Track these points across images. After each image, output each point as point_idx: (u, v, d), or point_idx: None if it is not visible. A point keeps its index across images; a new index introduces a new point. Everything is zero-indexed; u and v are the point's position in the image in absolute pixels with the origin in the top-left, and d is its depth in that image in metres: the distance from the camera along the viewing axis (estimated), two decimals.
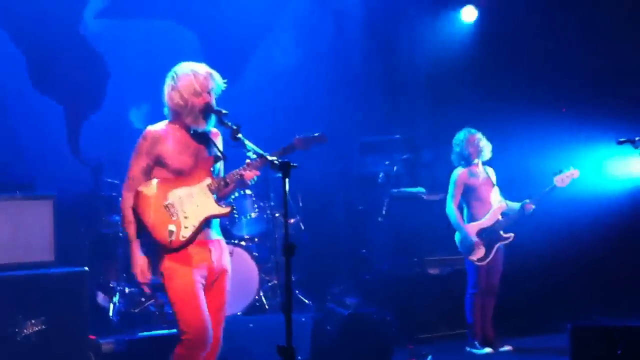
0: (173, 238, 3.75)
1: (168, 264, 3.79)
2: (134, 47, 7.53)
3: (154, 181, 3.82)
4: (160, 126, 3.89)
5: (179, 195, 3.80)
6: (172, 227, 3.76)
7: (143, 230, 3.80)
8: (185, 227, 3.78)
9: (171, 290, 3.80)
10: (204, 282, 3.84)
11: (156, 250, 3.82)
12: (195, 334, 3.75)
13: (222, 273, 3.96)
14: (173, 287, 3.79)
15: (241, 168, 3.88)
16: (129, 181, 3.87)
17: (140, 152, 3.84)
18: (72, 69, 7.16)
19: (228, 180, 3.90)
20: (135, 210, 3.81)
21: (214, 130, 4.01)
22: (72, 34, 7.22)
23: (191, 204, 3.81)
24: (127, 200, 3.84)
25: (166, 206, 3.78)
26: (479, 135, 6.39)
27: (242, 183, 3.95)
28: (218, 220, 3.97)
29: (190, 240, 3.79)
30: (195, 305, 3.77)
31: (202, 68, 3.88)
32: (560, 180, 6.20)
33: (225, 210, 3.93)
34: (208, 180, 3.87)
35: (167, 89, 3.88)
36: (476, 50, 8.44)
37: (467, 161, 6.37)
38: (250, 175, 3.87)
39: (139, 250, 3.84)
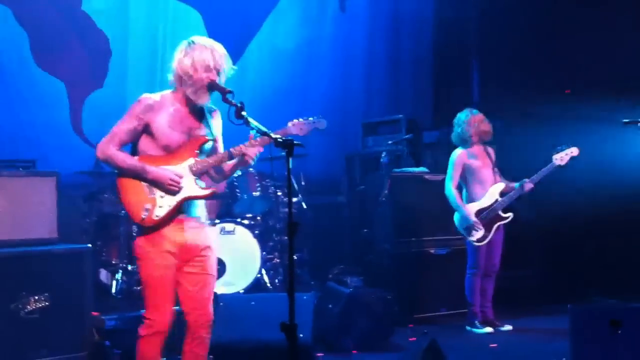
0: (145, 216, 3.72)
1: (140, 243, 3.79)
2: (136, 25, 7.51)
3: (135, 158, 3.78)
4: (158, 96, 3.83)
5: (157, 173, 3.74)
6: (147, 205, 3.73)
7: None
8: (160, 207, 3.74)
9: (140, 270, 3.85)
10: (176, 262, 3.80)
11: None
12: (154, 317, 3.79)
13: (203, 250, 3.88)
14: (142, 267, 3.82)
15: (243, 145, 3.83)
16: (109, 136, 3.75)
17: (131, 115, 3.76)
18: (75, 47, 7.14)
19: (233, 154, 3.84)
20: (116, 186, 3.79)
21: (214, 108, 3.98)
22: (74, 11, 7.19)
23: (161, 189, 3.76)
24: (106, 149, 3.73)
25: (142, 183, 3.75)
26: (481, 116, 6.38)
27: (243, 161, 3.88)
28: (202, 201, 3.91)
29: (164, 220, 3.75)
30: (158, 289, 3.78)
31: (219, 47, 3.84)
32: (560, 159, 6.17)
33: (205, 192, 3.86)
34: (191, 161, 3.81)
35: (179, 53, 3.80)
36: (480, 30, 8.41)
37: (468, 142, 6.36)
38: (253, 151, 3.82)
39: (152, 168, 3.73)
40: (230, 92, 3.75)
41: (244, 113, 3.69)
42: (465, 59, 8.66)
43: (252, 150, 3.83)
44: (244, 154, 3.84)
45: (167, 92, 3.87)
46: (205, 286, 3.91)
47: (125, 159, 3.75)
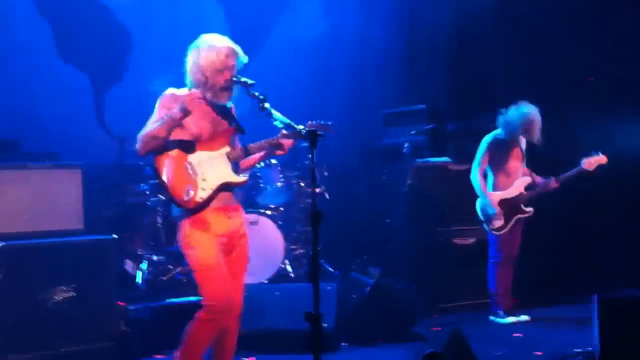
0: (189, 197, 3.75)
1: (188, 231, 3.80)
2: (157, 18, 7.54)
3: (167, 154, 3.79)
4: (182, 91, 3.85)
5: (199, 157, 3.80)
6: (189, 187, 3.76)
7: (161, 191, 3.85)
8: (203, 189, 3.78)
9: (192, 258, 3.83)
10: (223, 248, 3.86)
11: (176, 218, 3.86)
12: (217, 300, 3.77)
13: (242, 237, 3.96)
14: (193, 255, 3.81)
15: (276, 137, 3.89)
16: (145, 128, 3.76)
17: (161, 107, 3.79)
18: (97, 40, 7.19)
19: (251, 149, 3.92)
20: (154, 168, 3.80)
21: (231, 104, 4.00)
22: (96, 4, 7.24)
23: (210, 168, 3.81)
24: (141, 134, 3.72)
25: (186, 165, 3.78)
26: (539, 117, 6.26)
27: (273, 151, 3.97)
28: (237, 189, 4.00)
29: (206, 202, 3.78)
30: (217, 272, 3.79)
31: (224, 43, 3.83)
32: (588, 163, 6.21)
33: (242, 179, 3.93)
34: (227, 149, 3.89)
35: (189, 62, 3.85)
36: (500, 18, 8.32)
37: (512, 135, 6.29)
38: (288, 143, 3.89)
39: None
40: (251, 84, 3.77)
41: (267, 105, 3.71)
42: (486, 46, 8.58)
43: (287, 142, 3.90)
44: (280, 144, 3.90)
45: (189, 89, 3.88)
46: (241, 274, 3.97)
47: (158, 123, 3.70)
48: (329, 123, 4.15)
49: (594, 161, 6.21)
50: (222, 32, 3.97)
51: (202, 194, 3.78)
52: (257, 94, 3.73)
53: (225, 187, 3.87)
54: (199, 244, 3.79)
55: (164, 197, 3.75)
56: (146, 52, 7.45)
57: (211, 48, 3.80)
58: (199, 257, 3.80)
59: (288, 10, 8.40)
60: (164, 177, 3.78)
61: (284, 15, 8.39)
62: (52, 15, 6.93)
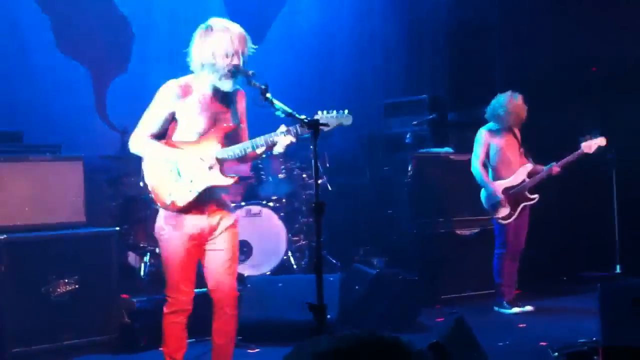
0: (169, 202, 3.74)
1: (162, 225, 3.82)
2: (158, 9, 7.51)
3: (162, 142, 3.77)
4: (183, 81, 3.78)
5: (186, 157, 3.73)
6: (172, 191, 3.74)
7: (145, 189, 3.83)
8: (190, 191, 3.74)
9: (161, 251, 3.93)
10: (196, 243, 3.82)
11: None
12: (175, 295, 3.86)
13: (224, 230, 3.87)
14: (162, 248, 3.89)
15: (274, 134, 3.75)
16: (139, 127, 3.77)
17: (158, 103, 3.76)
18: (97, 31, 7.17)
19: (254, 144, 3.77)
20: (142, 169, 3.82)
21: (241, 91, 3.93)
22: None
23: (196, 169, 3.74)
24: (137, 140, 3.75)
25: (170, 167, 3.74)
26: (521, 102, 6.29)
27: (272, 147, 3.80)
28: (223, 190, 3.90)
29: (190, 205, 3.75)
30: (178, 270, 3.82)
31: (236, 29, 3.74)
32: (588, 147, 6.21)
33: (228, 181, 3.83)
34: (217, 147, 3.78)
35: (197, 41, 3.74)
36: (503, 6, 8.28)
37: (500, 124, 6.30)
38: (286, 141, 3.74)
39: (180, 151, 3.73)
40: (253, 74, 3.69)
41: (268, 95, 3.65)
42: (487, 37, 8.54)
43: (285, 140, 3.75)
44: (276, 143, 3.76)
45: (191, 77, 3.81)
46: (226, 262, 3.90)
47: (157, 147, 3.75)
48: (348, 115, 3.94)
49: (593, 144, 6.21)
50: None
51: (185, 197, 3.74)
52: (258, 84, 3.66)
53: (212, 189, 3.81)
54: (167, 239, 3.82)
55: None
56: (147, 43, 7.43)
57: (224, 30, 3.71)
58: (166, 252, 3.86)
59: (288, 1, 8.36)
60: (147, 179, 3.79)
61: (284, 6, 8.35)
62: (53, 7, 6.90)
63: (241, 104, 3.96)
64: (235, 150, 3.79)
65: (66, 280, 5.00)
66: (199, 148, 3.76)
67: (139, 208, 6.52)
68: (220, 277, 3.89)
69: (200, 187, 3.76)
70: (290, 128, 3.74)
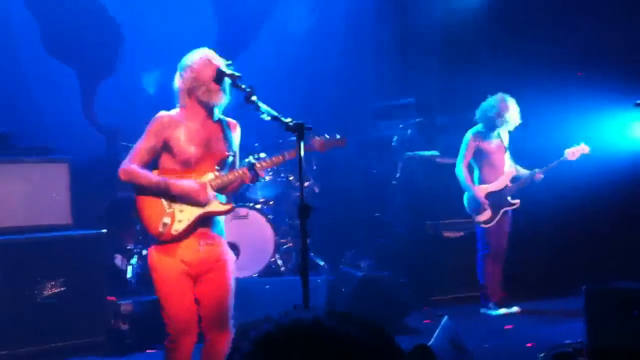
0: (164, 230, 3.67)
1: (154, 254, 3.74)
2: (146, 11, 7.50)
3: (153, 172, 3.72)
4: (174, 112, 3.77)
5: (178, 187, 3.67)
6: (166, 220, 3.68)
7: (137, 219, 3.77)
8: (180, 221, 3.68)
9: (155, 281, 3.77)
10: (189, 270, 3.72)
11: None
12: (173, 326, 3.73)
13: (218, 262, 3.79)
14: (157, 278, 3.75)
15: (243, 168, 3.75)
16: (130, 156, 3.72)
17: (149, 133, 3.72)
18: (85, 33, 7.14)
19: (241, 174, 3.75)
20: (135, 199, 3.75)
21: (232, 121, 3.91)
22: None
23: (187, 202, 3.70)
24: (128, 169, 3.69)
25: (163, 197, 3.69)
26: (514, 105, 6.30)
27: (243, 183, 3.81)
28: (221, 218, 3.84)
29: (182, 235, 3.69)
30: (173, 299, 3.72)
31: (210, 51, 3.78)
32: (571, 154, 6.29)
33: (224, 208, 3.78)
34: (211, 176, 3.74)
35: (177, 77, 3.76)
36: (492, 11, 8.33)
37: (492, 126, 6.31)
38: (253, 178, 3.74)
39: (176, 182, 3.68)
40: (238, 76, 3.68)
41: (254, 98, 3.64)
42: (475, 40, 8.58)
43: (254, 176, 3.75)
44: (245, 175, 3.75)
45: (181, 109, 3.79)
46: (223, 302, 3.81)
47: (147, 176, 3.70)
48: (339, 137, 4.10)
49: (576, 151, 6.27)
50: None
51: (178, 227, 3.69)
52: (244, 86, 3.65)
53: (206, 217, 3.76)
54: (160, 268, 3.72)
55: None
56: (136, 46, 7.41)
57: (193, 53, 3.76)
58: (160, 281, 3.74)
59: (277, 4, 8.37)
60: (141, 210, 3.72)
61: (273, 9, 8.36)
62: (41, 9, 6.88)
63: (236, 136, 3.92)
64: (230, 176, 3.75)
65: (53, 283, 4.99)
66: (192, 176, 3.72)
67: (126, 210, 6.50)
68: (213, 313, 3.79)
69: (192, 216, 3.71)
70: (259, 161, 3.77)
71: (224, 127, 3.84)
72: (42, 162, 5.24)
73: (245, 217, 6.41)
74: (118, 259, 6.35)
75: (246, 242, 6.37)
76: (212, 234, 3.80)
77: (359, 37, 8.79)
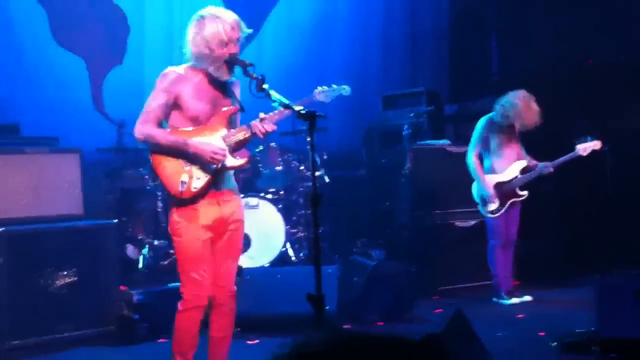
0: (184, 189, 3.70)
1: (176, 218, 3.76)
2: (153, 0, 7.48)
3: (168, 131, 3.75)
4: (181, 68, 3.78)
5: (194, 144, 3.70)
6: (184, 177, 3.70)
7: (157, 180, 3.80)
8: (198, 178, 3.72)
9: (177, 245, 3.82)
10: (211, 235, 3.78)
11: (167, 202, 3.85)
12: (191, 292, 3.78)
13: (235, 223, 3.87)
14: (179, 243, 3.79)
15: (256, 121, 3.76)
16: (144, 115, 3.71)
17: (159, 89, 3.73)
18: (93, 23, 7.12)
19: (245, 131, 3.80)
20: (150, 160, 3.78)
21: (235, 80, 3.92)
22: None
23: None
24: (144, 128, 3.68)
25: (180, 154, 3.71)
26: (535, 105, 6.22)
27: (254, 136, 3.83)
28: (232, 171, 3.91)
29: (202, 191, 3.72)
30: (196, 265, 3.76)
31: (229, 16, 3.74)
32: (583, 150, 6.21)
33: (240, 162, 3.84)
34: (224, 131, 3.78)
35: (191, 32, 3.73)
36: (501, 2, 8.29)
37: (509, 123, 6.26)
38: (267, 129, 3.74)
39: (194, 141, 3.69)
40: (251, 65, 3.70)
41: (265, 86, 3.64)
42: (484, 30, 8.54)
43: (267, 127, 3.76)
44: (256, 126, 3.77)
45: (188, 65, 3.81)
46: (233, 261, 3.93)
47: (166, 136, 3.72)
48: (345, 85, 4.09)
49: (588, 147, 6.21)
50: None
51: (196, 184, 3.72)
52: (255, 74, 3.65)
53: (222, 172, 3.80)
54: (184, 234, 3.75)
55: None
56: (143, 35, 7.39)
57: (217, 19, 3.70)
58: (182, 246, 3.78)
59: None
60: (159, 170, 3.74)
61: None
62: (48, 0, 6.86)
63: (237, 91, 3.95)
64: (242, 130, 3.79)
65: (64, 273, 5.00)
66: (205, 133, 3.76)
67: (136, 200, 6.51)
68: (224, 273, 3.88)
69: (210, 172, 3.74)
70: (276, 112, 3.75)
71: (227, 83, 3.87)
72: (53, 153, 5.23)
73: (256, 207, 6.40)
74: (129, 249, 6.36)
75: (257, 232, 6.37)
76: (228, 190, 3.85)
77: (367, 26, 8.75)
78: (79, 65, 7.06)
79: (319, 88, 4.03)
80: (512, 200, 6.31)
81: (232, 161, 3.81)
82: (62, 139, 5.71)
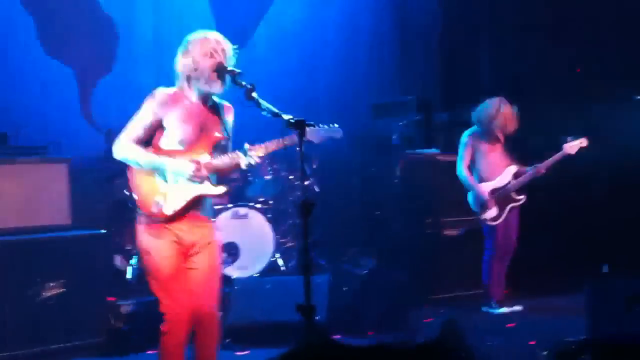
0: (156, 210, 3.66)
1: (144, 235, 3.72)
2: (142, 9, 7.46)
3: (149, 150, 3.70)
4: (171, 90, 3.77)
5: (174, 165, 3.66)
6: (158, 199, 3.67)
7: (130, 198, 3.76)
8: (173, 201, 3.68)
9: (147, 264, 3.76)
10: (182, 252, 3.73)
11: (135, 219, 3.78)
12: (171, 310, 3.72)
13: (205, 246, 3.79)
14: (148, 260, 3.74)
15: (239, 153, 3.71)
16: (126, 133, 3.69)
17: (146, 110, 3.70)
18: (82, 31, 7.10)
19: (227, 160, 3.74)
20: (127, 175, 3.74)
21: (227, 104, 3.91)
22: None
23: (186, 177, 3.68)
24: (123, 146, 3.66)
25: (158, 175, 3.68)
26: (511, 112, 6.27)
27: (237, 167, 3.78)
28: (210, 200, 3.85)
29: (176, 215, 3.68)
30: (170, 282, 3.71)
31: (213, 33, 3.80)
32: (570, 147, 6.23)
33: (218, 190, 3.78)
34: (207, 157, 3.73)
35: (178, 57, 3.76)
36: (491, 8, 8.31)
37: (486, 130, 6.30)
38: (247, 162, 3.71)
39: (175, 160, 3.65)
40: (239, 73, 3.69)
41: (254, 94, 3.63)
42: (474, 38, 8.57)
43: (249, 160, 3.72)
44: (240, 158, 3.73)
45: (179, 88, 3.79)
46: (208, 281, 3.82)
47: (144, 153, 3.68)
48: (338, 129, 4.02)
49: (574, 145, 6.24)
50: (208, 23, 3.94)
51: (172, 206, 3.68)
52: (244, 83, 3.64)
53: (199, 199, 3.75)
54: (153, 250, 3.71)
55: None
56: (132, 43, 7.37)
57: (200, 35, 3.76)
58: (151, 264, 3.74)
59: (275, 0, 8.34)
60: (134, 188, 3.71)
61: (270, 6, 8.32)
62: (35, 8, 6.84)
63: (229, 118, 3.91)
64: (225, 159, 3.74)
65: (52, 284, 4.96)
66: (187, 157, 3.71)
67: (126, 210, 6.45)
68: (203, 295, 3.79)
69: (189, 196, 3.70)
70: (252, 147, 3.72)
71: (219, 109, 3.85)
72: (41, 162, 5.20)
73: (245, 216, 6.39)
74: (118, 260, 6.32)
75: (246, 242, 6.36)
76: (203, 216, 3.80)
77: (357, 33, 8.77)
78: (67, 73, 7.03)
79: (312, 127, 3.82)
80: (510, 205, 6.33)
81: (210, 189, 3.76)
82: (52, 148, 5.67)
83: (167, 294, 3.73)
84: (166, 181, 3.70)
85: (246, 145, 3.74)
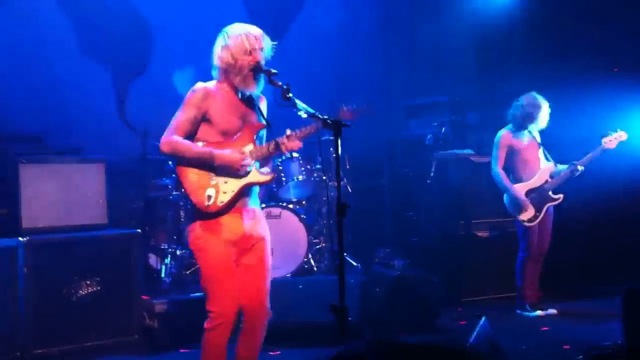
0: (210, 203, 3.68)
1: (199, 233, 3.73)
2: (177, 10, 7.53)
3: (199, 144, 3.73)
4: (210, 84, 3.81)
5: (221, 157, 3.69)
6: (210, 191, 3.70)
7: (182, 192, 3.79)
8: (224, 192, 3.71)
9: (201, 262, 3.78)
10: (235, 250, 3.75)
11: (191, 216, 3.81)
12: (219, 308, 3.71)
13: (259, 241, 3.84)
14: (202, 259, 3.76)
15: (282, 138, 3.76)
16: (172, 128, 3.70)
17: (189, 104, 3.73)
18: (118, 33, 7.19)
19: (271, 147, 3.79)
20: (176, 174, 3.78)
21: (261, 95, 3.95)
22: None
23: (232, 169, 3.72)
24: (171, 140, 3.66)
25: (207, 168, 3.71)
26: (544, 102, 6.23)
27: (279, 153, 3.84)
28: (257, 189, 3.88)
29: (228, 206, 3.71)
30: (223, 280, 3.72)
31: (253, 29, 3.81)
32: (608, 142, 6.13)
33: (266, 177, 3.83)
34: (251, 146, 3.78)
35: (217, 48, 3.79)
36: (525, 10, 8.24)
37: (521, 125, 6.24)
38: (292, 146, 3.75)
39: (220, 152, 3.68)
40: (275, 73, 3.71)
41: (290, 95, 3.64)
42: (509, 37, 8.50)
43: (290, 145, 3.77)
44: (282, 144, 3.77)
45: (216, 82, 3.84)
46: (261, 278, 3.85)
47: (192, 147, 3.70)
48: (366, 105, 4.07)
49: (613, 139, 6.13)
50: (242, 22, 3.94)
51: (223, 198, 3.71)
52: (280, 83, 3.66)
53: (248, 187, 3.80)
54: (207, 248, 3.73)
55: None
56: (167, 44, 7.45)
57: (240, 30, 3.78)
58: (204, 262, 3.76)
59: (308, 1, 8.35)
60: (185, 183, 3.73)
61: (303, 6, 8.34)
62: (72, 10, 6.94)
63: (263, 107, 3.97)
64: (270, 145, 3.78)
65: (88, 282, 5.03)
66: (233, 148, 3.75)
67: (160, 210, 6.54)
68: (255, 291, 3.82)
69: (237, 186, 3.74)
70: (293, 132, 3.76)
71: (254, 99, 3.90)
72: (79, 163, 5.28)
73: (278, 216, 6.40)
74: (152, 259, 6.39)
75: (279, 242, 6.34)
76: (252, 208, 3.84)
77: (391, 34, 8.75)
78: (102, 74, 7.13)
79: (345, 107, 4.05)
80: (548, 204, 6.23)
81: (257, 177, 3.81)
82: (87, 148, 5.75)
83: (220, 291, 3.73)
84: (215, 173, 3.73)
85: (288, 131, 3.79)
